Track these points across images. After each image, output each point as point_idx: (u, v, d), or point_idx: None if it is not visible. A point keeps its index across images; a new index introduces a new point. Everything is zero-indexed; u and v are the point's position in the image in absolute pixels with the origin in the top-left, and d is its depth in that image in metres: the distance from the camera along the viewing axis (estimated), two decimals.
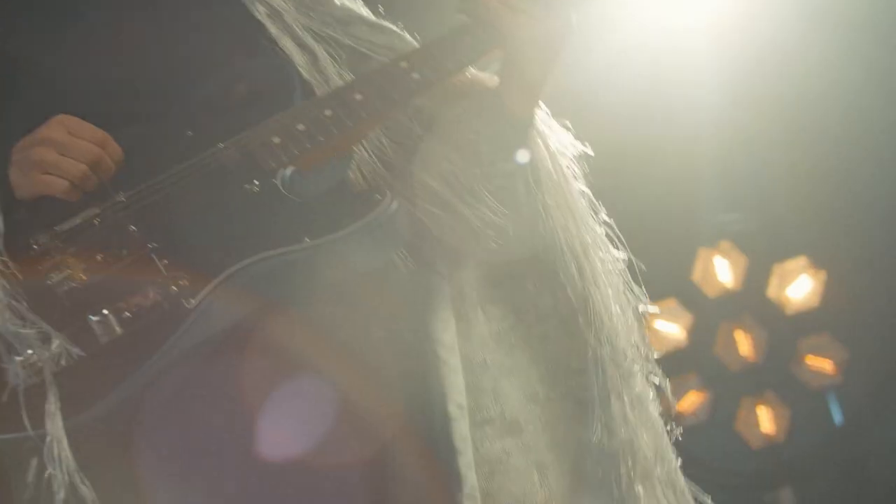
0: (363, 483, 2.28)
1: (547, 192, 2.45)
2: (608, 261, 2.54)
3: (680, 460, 6.19)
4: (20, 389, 2.04)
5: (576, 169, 2.51)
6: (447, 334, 2.44)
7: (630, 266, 6.24)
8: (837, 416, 6.13)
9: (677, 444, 6.40)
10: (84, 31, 2.38)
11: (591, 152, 2.54)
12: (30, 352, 2.05)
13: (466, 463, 2.36)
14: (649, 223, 5.97)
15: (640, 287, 2.59)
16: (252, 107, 2.32)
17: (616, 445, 2.44)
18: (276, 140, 2.26)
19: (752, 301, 6.19)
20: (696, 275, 6.23)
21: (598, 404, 2.46)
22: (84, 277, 2.13)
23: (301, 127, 2.27)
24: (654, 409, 2.54)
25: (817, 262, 6.12)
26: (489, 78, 2.48)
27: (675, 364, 6.27)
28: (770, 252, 6.18)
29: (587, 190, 2.52)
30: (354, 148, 2.37)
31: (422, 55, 2.38)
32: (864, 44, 5.21)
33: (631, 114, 5.50)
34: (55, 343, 2.06)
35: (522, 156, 2.42)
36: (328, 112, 2.29)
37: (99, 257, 2.16)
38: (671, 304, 6.26)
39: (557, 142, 2.49)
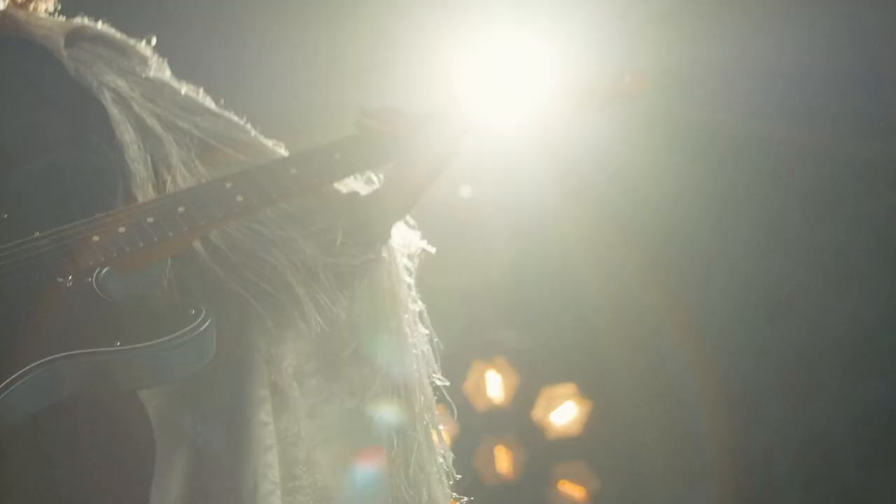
0: None
1: (381, 284, 2.59)
2: (420, 343, 2.72)
3: None
4: None
5: (409, 263, 2.65)
6: (262, 411, 2.50)
7: None
8: None
9: None
10: None
11: (431, 249, 2.71)
12: None
13: None
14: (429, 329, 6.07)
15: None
16: (72, 200, 2.31)
17: None
18: (96, 238, 2.26)
19: (516, 420, 6.33)
20: (468, 386, 6.33)
21: (404, 474, 2.62)
22: None
23: (122, 230, 2.28)
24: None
25: (584, 392, 6.34)
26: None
27: None
28: (541, 374, 6.36)
29: (412, 281, 2.68)
30: (172, 257, 2.42)
31: (247, 179, 2.41)
32: (672, 161, 5.55)
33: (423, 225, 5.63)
34: None
35: (373, 252, 2.57)
36: (150, 219, 2.31)
37: None
38: (439, 410, 6.28)
39: (402, 238, 2.64)
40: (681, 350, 6.04)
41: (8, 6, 2.51)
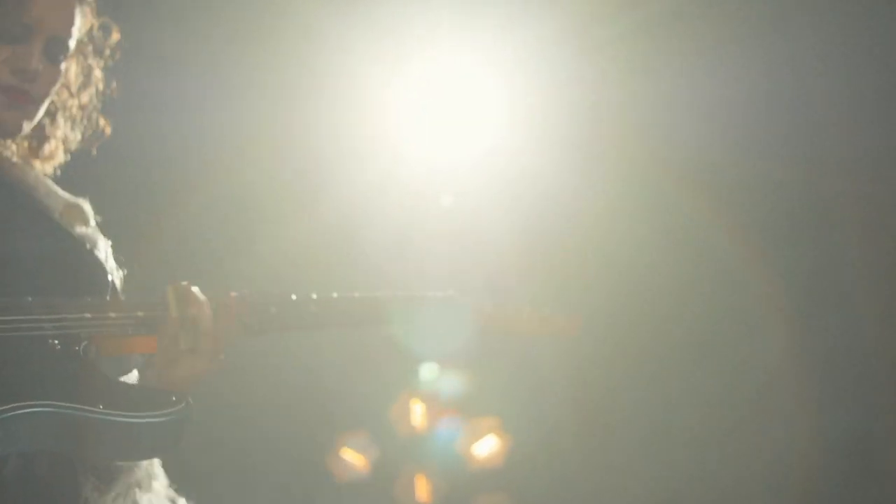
0: None
1: None
2: None
3: None
4: None
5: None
6: None
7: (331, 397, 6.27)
8: None
9: None
10: None
11: None
12: None
13: None
14: (356, 356, 6.10)
15: None
16: (70, 278, 2.43)
17: None
18: (88, 316, 2.37)
19: (438, 449, 6.35)
20: (392, 413, 6.35)
21: None
22: None
23: (113, 315, 2.41)
24: None
25: (507, 426, 6.39)
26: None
27: (353, 497, 6.30)
28: (465, 405, 6.39)
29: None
30: (149, 353, 2.54)
31: (254, 304, 2.62)
32: (631, 194, 5.60)
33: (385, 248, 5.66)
34: None
35: None
36: (140, 313, 2.45)
37: None
38: (363, 436, 6.33)
39: None
40: (610, 383, 6.11)
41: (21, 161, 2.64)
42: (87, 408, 2.26)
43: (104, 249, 2.58)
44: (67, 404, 2.24)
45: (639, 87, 5.24)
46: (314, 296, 2.70)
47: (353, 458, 6.32)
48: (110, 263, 2.60)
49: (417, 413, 6.39)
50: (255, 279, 4.93)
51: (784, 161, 5.48)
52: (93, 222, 2.62)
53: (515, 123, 5.37)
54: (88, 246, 2.54)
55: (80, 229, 2.55)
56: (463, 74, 5.35)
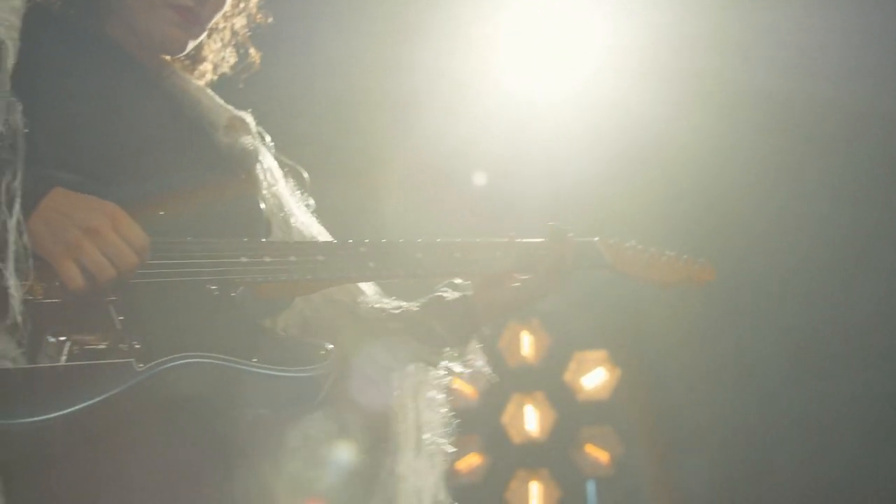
0: None
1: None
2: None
3: None
4: None
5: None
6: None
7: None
8: None
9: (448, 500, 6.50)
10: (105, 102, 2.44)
11: None
12: None
13: None
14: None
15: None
16: (228, 219, 2.42)
17: None
18: (245, 260, 2.38)
19: (547, 380, 6.43)
20: (502, 343, 6.45)
21: None
22: (40, 293, 2.12)
23: (268, 259, 2.41)
24: None
25: (615, 360, 6.42)
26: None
27: (463, 424, 6.42)
28: (574, 339, 6.45)
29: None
30: (301, 296, 2.56)
31: (381, 250, 2.57)
32: (729, 126, 5.52)
33: (483, 184, 5.70)
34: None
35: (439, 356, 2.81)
36: (293, 258, 2.46)
37: (57, 283, 2.14)
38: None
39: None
40: (713, 322, 6.08)
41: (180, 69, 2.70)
42: (242, 361, 2.28)
43: (267, 161, 2.62)
44: (224, 357, 2.26)
45: (738, 17, 5.13)
46: (458, 240, 2.67)
47: (463, 387, 6.45)
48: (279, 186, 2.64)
49: (526, 343, 6.48)
50: (363, 222, 5.03)
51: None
52: (255, 132, 2.63)
53: (615, 57, 5.34)
54: (252, 148, 2.57)
55: (245, 140, 2.57)
56: (562, 8, 5.34)
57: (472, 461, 6.37)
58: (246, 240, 2.40)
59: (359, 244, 2.55)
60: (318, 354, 2.41)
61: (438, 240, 2.65)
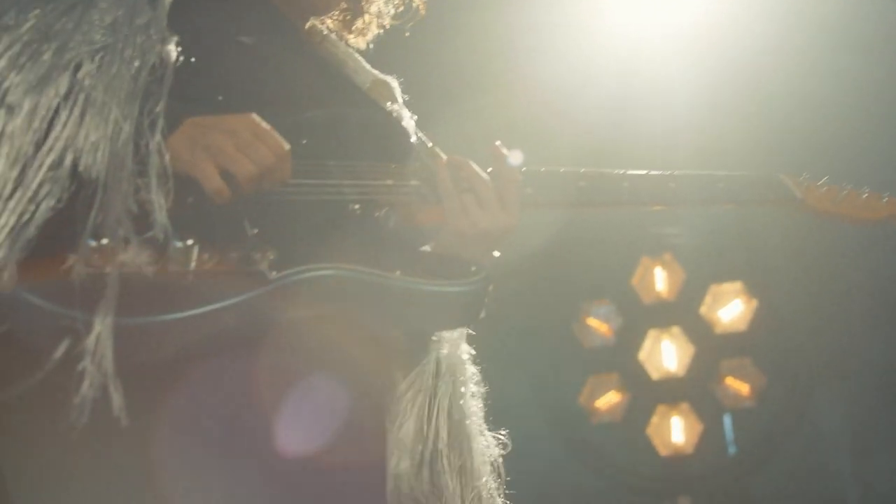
0: None
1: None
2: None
3: (591, 454, 6.30)
4: (81, 270, 1.98)
5: None
6: None
7: (571, 264, 6.34)
8: (732, 443, 6.33)
9: (591, 438, 6.52)
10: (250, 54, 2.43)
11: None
12: (104, 241, 2.02)
13: None
14: (597, 227, 6.17)
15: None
16: (371, 144, 2.38)
17: None
18: (390, 182, 2.36)
19: (683, 315, 6.37)
20: (636, 280, 6.41)
21: None
22: (171, 201, 2.10)
23: (414, 182, 2.38)
24: None
25: (751, 290, 6.33)
26: None
27: (601, 363, 6.44)
28: (708, 271, 6.38)
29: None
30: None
31: (542, 178, 2.51)
32: (837, 55, 5.38)
33: (597, 119, 5.64)
34: (132, 245, 2.02)
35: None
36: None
37: (190, 200, 2.15)
38: (605, 304, 6.43)
39: None
40: (847, 249, 5.95)
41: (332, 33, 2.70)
42: (384, 273, 2.24)
43: (410, 124, 2.57)
44: (365, 269, 2.22)
45: None
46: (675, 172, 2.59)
47: (598, 325, 6.44)
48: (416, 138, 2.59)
49: (660, 279, 6.43)
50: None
51: None
52: (399, 99, 2.62)
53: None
54: (395, 115, 2.54)
55: (387, 104, 2.55)
56: None
57: (611, 399, 6.38)
58: (393, 165, 2.37)
59: (517, 169, 2.49)
60: (470, 271, 2.35)
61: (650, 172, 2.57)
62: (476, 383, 2.59)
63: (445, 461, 2.53)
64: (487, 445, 2.58)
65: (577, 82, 5.37)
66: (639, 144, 5.33)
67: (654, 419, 6.31)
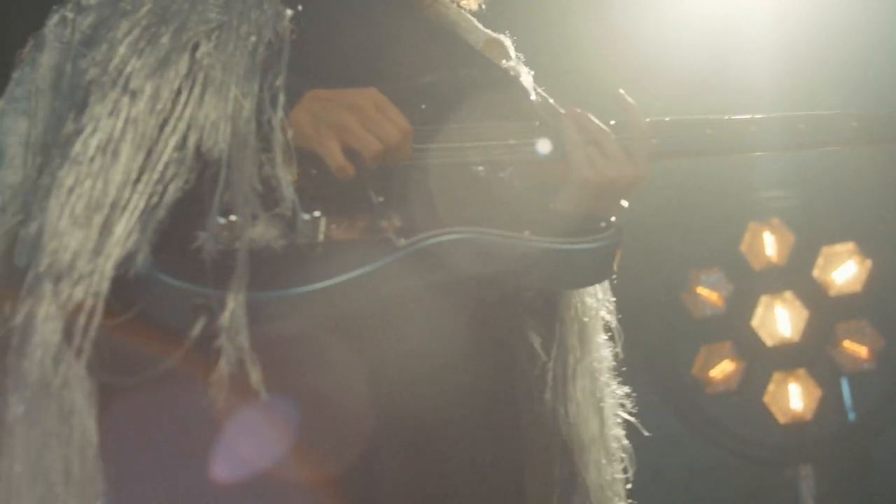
0: None
1: None
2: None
3: (707, 425, 6.21)
4: (211, 247, 2.00)
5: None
6: None
7: (677, 233, 6.25)
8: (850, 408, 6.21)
9: (706, 409, 6.43)
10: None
11: None
12: (232, 218, 2.03)
13: None
14: (702, 194, 6.08)
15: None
16: (483, 104, 2.36)
17: None
18: (512, 142, 2.33)
19: (795, 278, 6.25)
20: (744, 246, 6.31)
21: None
22: (295, 174, 2.12)
23: (537, 140, 2.36)
24: None
25: (864, 250, 6.20)
26: None
27: (713, 332, 6.34)
28: (819, 233, 6.25)
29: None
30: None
31: (667, 127, 2.47)
32: None
33: (690, 83, 5.56)
34: (260, 221, 2.04)
35: None
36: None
37: (314, 172, 2.16)
38: (715, 272, 6.34)
39: None
40: None
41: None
42: (513, 234, 2.22)
43: (528, 80, 2.55)
44: (494, 231, 2.20)
45: None
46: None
47: (708, 294, 6.35)
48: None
49: (769, 243, 6.32)
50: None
51: None
52: (514, 57, 2.60)
53: None
54: (513, 74, 2.52)
55: (502, 63, 2.53)
56: None
57: (725, 369, 6.28)
58: (514, 124, 2.35)
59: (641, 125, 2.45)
60: (600, 226, 2.32)
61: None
62: (608, 344, 2.57)
63: (579, 413, 2.52)
64: (616, 405, 2.57)
65: (664, 38, 5.31)
66: (727, 97, 5.23)
67: (771, 387, 6.19)
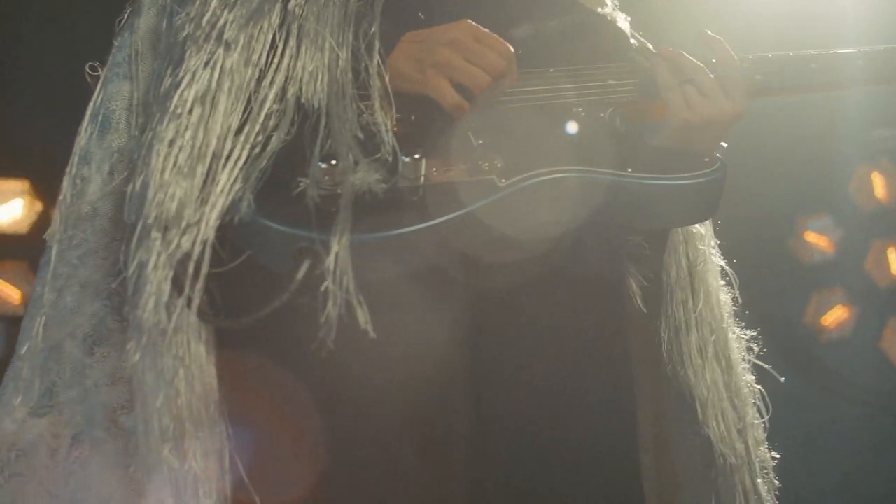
0: None
1: None
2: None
3: (821, 373, 6.10)
4: (314, 192, 1.99)
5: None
6: None
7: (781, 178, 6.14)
8: None
9: (820, 358, 6.31)
10: None
11: None
12: (333, 162, 2.02)
13: None
14: (806, 136, 5.95)
15: None
16: (586, 47, 2.37)
17: None
18: (612, 82, 2.33)
19: None
20: (853, 190, 6.17)
21: None
22: (395, 126, 2.12)
23: (635, 80, 2.36)
24: None
25: None
26: None
27: (823, 278, 6.22)
28: None
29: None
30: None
31: (770, 63, 2.46)
32: None
33: (794, 26, 5.44)
34: (361, 166, 2.03)
35: None
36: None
37: (413, 118, 2.16)
38: (823, 218, 6.21)
39: None
40: None
41: None
42: (616, 172, 2.23)
43: (625, 25, 2.56)
44: (595, 169, 2.21)
45: None
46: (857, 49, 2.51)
47: (817, 240, 6.23)
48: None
49: (879, 185, 6.18)
50: None
51: None
52: (610, 3, 2.61)
53: None
54: (609, 18, 2.53)
55: (597, 9, 2.54)
56: None
57: (838, 315, 6.15)
58: (613, 65, 2.35)
59: (742, 59, 2.45)
60: (703, 162, 2.31)
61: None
62: (725, 289, 2.54)
63: (692, 365, 2.49)
64: (742, 349, 2.54)
65: None
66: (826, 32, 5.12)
67: (887, 332, 6.06)
